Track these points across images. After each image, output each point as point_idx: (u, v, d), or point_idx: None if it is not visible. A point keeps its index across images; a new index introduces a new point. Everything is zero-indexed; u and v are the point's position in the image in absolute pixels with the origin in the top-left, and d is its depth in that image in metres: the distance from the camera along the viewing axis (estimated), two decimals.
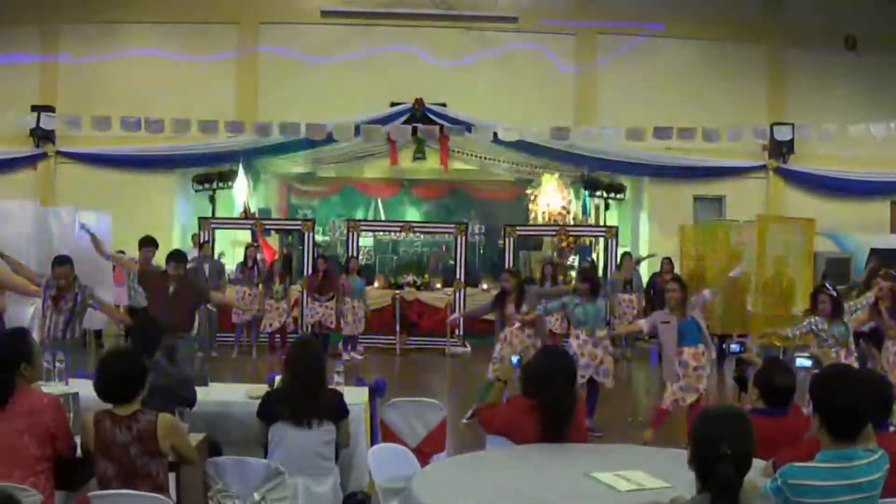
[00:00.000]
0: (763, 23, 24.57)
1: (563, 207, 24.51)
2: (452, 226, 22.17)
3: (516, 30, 24.35)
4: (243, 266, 19.11)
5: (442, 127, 21.98)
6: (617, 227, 22.41)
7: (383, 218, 26.68)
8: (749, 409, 6.05)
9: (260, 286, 18.99)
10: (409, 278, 21.53)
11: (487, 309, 13.86)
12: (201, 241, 20.26)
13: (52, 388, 7.47)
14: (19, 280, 11.89)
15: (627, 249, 22.06)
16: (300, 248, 22.31)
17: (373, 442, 7.87)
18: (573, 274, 21.51)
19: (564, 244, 22.55)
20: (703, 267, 19.75)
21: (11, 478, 5.48)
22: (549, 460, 5.89)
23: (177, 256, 12.37)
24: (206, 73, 23.93)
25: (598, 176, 24.44)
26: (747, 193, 23.98)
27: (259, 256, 19.47)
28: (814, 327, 11.04)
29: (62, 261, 10.84)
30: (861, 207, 23.92)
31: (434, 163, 24.50)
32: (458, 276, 21.07)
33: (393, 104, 23.69)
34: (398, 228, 23.99)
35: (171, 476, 5.99)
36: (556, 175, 24.43)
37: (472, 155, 24.38)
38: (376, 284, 21.47)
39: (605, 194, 24.59)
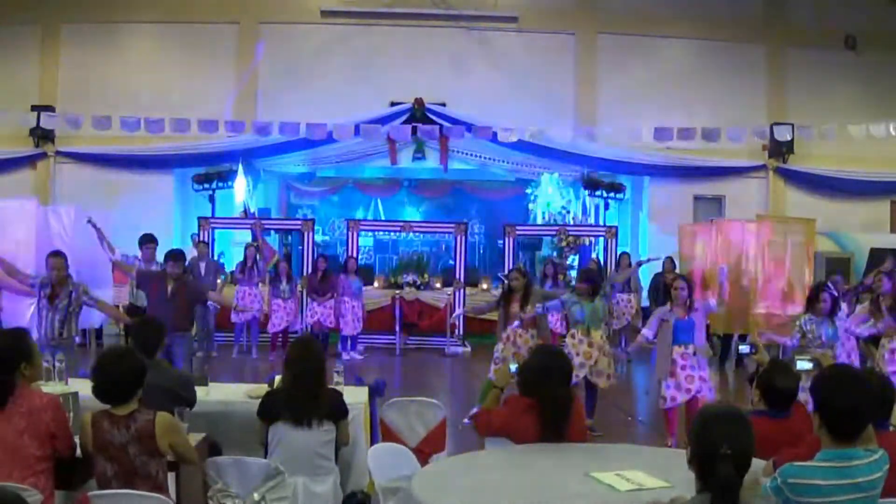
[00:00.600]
0: (763, 23, 24.58)
1: (563, 207, 24.51)
2: (452, 226, 22.16)
3: (516, 30, 24.37)
4: (243, 266, 19.09)
5: (442, 127, 21.95)
6: (617, 227, 22.43)
7: (383, 218, 26.71)
8: (751, 410, 6.05)
9: (261, 285, 19.00)
10: (409, 278, 21.51)
11: (492, 307, 13.85)
12: (199, 240, 20.27)
13: (52, 387, 7.46)
14: (12, 281, 11.95)
15: (626, 249, 22.05)
16: (300, 248, 22.30)
17: (373, 441, 7.86)
18: (573, 274, 21.55)
19: (564, 244, 22.55)
20: (703, 267, 19.76)
21: (11, 477, 5.48)
22: (549, 460, 5.87)
23: (175, 255, 12.38)
24: (206, 73, 23.96)
25: (597, 176, 24.44)
26: (747, 193, 24.03)
27: (258, 256, 19.44)
28: (804, 328, 11.04)
29: (56, 253, 10.98)
30: (861, 207, 23.95)
31: (434, 163, 24.50)
32: (457, 276, 21.08)
33: (393, 104, 23.70)
34: (398, 228, 24.00)
35: (171, 476, 5.99)
36: (556, 175, 24.43)
37: (471, 155, 24.37)
38: (376, 284, 21.50)
39: (604, 194, 24.59)
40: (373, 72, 23.79)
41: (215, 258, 19.99)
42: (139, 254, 14.96)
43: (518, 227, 22.37)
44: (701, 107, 23.10)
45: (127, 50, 24.11)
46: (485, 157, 24.51)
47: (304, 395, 6.69)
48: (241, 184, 23.62)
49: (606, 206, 24.95)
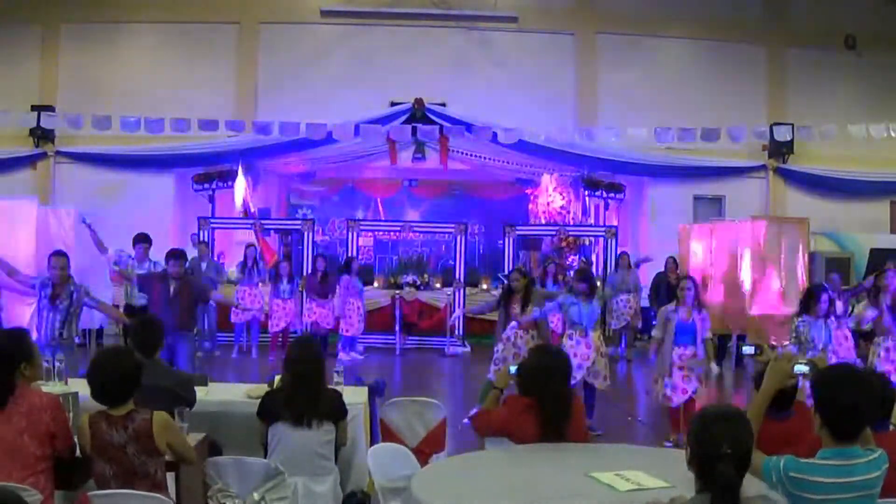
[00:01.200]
0: (763, 23, 24.60)
1: (563, 207, 24.51)
2: (452, 226, 22.14)
3: (516, 30, 24.38)
4: (243, 266, 19.08)
5: (442, 127, 21.94)
6: (616, 227, 22.43)
7: (383, 218, 26.71)
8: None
9: (261, 285, 19.00)
10: (409, 278, 21.51)
11: (493, 307, 13.85)
12: (200, 240, 20.28)
13: (52, 387, 7.46)
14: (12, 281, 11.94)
15: (625, 250, 22.04)
16: (300, 248, 22.30)
17: (372, 441, 7.86)
18: (572, 274, 21.56)
19: (564, 244, 22.56)
20: (703, 267, 19.77)
21: (11, 477, 5.48)
22: (549, 460, 5.88)
23: (177, 255, 12.42)
24: (206, 73, 23.97)
25: (597, 176, 24.43)
26: (747, 193, 24.03)
27: (258, 256, 19.44)
28: (797, 329, 11.06)
29: (59, 253, 10.97)
30: (861, 207, 23.96)
31: (434, 163, 24.49)
32: (457, 276, 21.08)
33: (393, 104, 23.70)
34: (398, 228, 24.00)
35: (171, 476, 6.00)
36: (556, 175, 24.43)
37: (471, 155, 24.35)
38: (376, 284, 21.53)
39: (604, 194, 24.59)
40: (373, 72, 23.81)
41: (215, 258, 20.00)
42: (133, 252, 14.98)
43: (518, 228, 22.37)
44: (701, 107, 23.08)
45: (127, 50, 24.11)
46: (485, 158, 24.50)
47: (303, 395, 6.69)
48: (240, 184, 23.62)
49: (606, 207, 24.95)
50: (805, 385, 6.28)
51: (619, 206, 25.08)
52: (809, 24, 24.29)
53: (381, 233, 25.49)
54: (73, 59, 23.96)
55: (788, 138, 22.95)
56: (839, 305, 13.89)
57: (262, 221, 22.51)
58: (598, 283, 14.78)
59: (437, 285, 21.58)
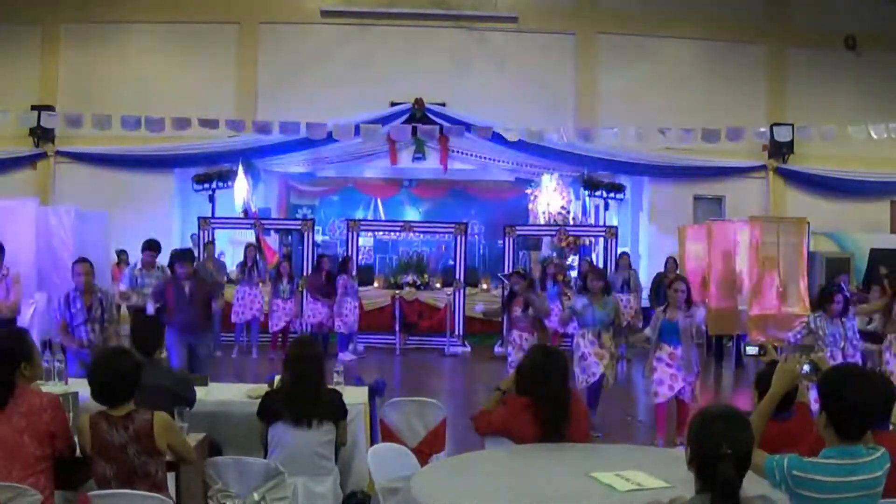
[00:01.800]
0: (763, 23, 24.60)
1: (563, 207, 24.51)
2: (452, 226, 22.11)
3: (516, 30, 24.40)
4: (243, 265, 19.07)
5: (442, 127, 21.93)
6: (617, 228, 22.42)
7: (383, 218, 26.72)
8: (753, 411, 6.05)
9: (261, 285, 18.99)
10: (409, 278, 21.50)
11: (500, 311, 13.84)
12: (204, 240, 20.27)
13: (52, 387, 7.47)
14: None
15: (626, 250, 22.04)
16: (300, 248, 22.28)
17: (372, 442, 7.86)
18: (573, 274, 21.53)
19: (564, 244, 22.55)
20: (703, 267, 19.77)
21: (11, 477, 5.48)
22: (549, 460, 5.89)
23: (187, 255, 12.44)
24: (206, 72, 23.98)
25: (597, 176, 24.44)
26: (747, 193, 24.05)
27: (258, 256, 19.43)
28: (812, 326, 11.09)
29: (83, 259, 10.75)
30: (861, 207, 23.97)
31: (434, 163, 24.50)
32: (457, 277, 21.07)
33: (393, 104, 23.71)
34: (398, 228, 23.99)
35: (171, 476, 5.99)
36: (556, 175, 24.43)
37: (471, 155, 24.36)
38: (376, 284, 21.54)
39: (604, 194, 24.59)
40: (373, 72, 23.83)
41: (217, 257, 20.02)
42: (140, 257, 14.89)
43: (518, 228, 22.32)
44: (701, 107, 23.11)
45: (127, 49, 24.12)
46: (485, 158, 24.52)
47: (303, 395, 6.70)
48: (241, 184, 23.62)
49: (606, 207, 24.96)
50: (805, 385, 6.28)
51: (619, 206, 25.08)
52: (810, 24, 24.30)
53: (381, 233, 25.48)
54: (73, 59, 24.00)
55: (788, 138, 22.97)
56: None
57: (263, 221, 22.50)
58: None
59: (437, 285, 21.55)
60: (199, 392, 7.63)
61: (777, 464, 4.25)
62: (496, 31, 24.48)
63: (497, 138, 22.07)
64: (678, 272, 18.90)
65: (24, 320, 13.57)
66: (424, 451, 7.50)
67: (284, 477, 6.00)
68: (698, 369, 11.17)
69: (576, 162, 24.08)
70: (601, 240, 22.86)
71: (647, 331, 11.43)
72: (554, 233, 22.60)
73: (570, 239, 22.58)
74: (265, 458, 6.54)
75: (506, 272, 20.17)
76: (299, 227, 22.37)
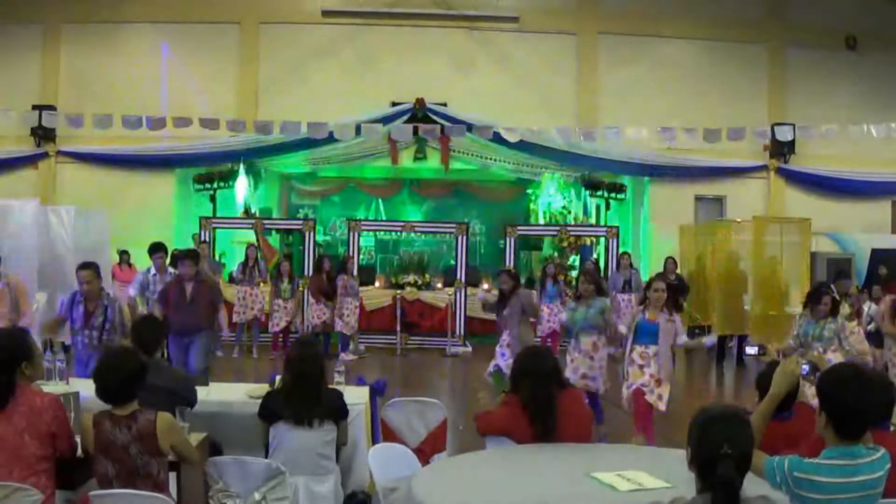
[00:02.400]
0: (764, 23, 24.59)
1: (564, 207, 24.52)
2: (453, 225, 22.13)
3: (517, 30, 24.38)
4: (244, 265, 19.07)
5: (443, 127, 21.92)
6: (618, 227, 22.41)
7: (384, 218, 26.71)
8: (753, 411, 6.04)
9: (262, 285, 18.99)
10: (410, 278, 21.49)
11: (494, 309, 13.72)
12: (201, 240, 20.27)
13: (53, 387, 7.46)
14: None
15: (627, 250, 22.03)
16: (301, 248, 22.28)
17: (373, 442, 7.86)
18: (573, 274, 21.53)
19: (565, 244, 22.56)
20: (703, 267, 19.78)
21: (12, 476, 5.48)
22: (550, 460, 5.89)
23: (190, 255, 12.37)
24: (207, 72, 23.98)
25: (598, 176, 24.45)
26: (748, 193, 24.03)
27: (259, 256, 19.43)
28: (799, 330, 11.08)
29: (85, 265, 10.22)
30: (862, 207, 23.93)
31: (435, 163, 24.50)
32: (459, 276, 21.06)
33: (394, 104, 23.69)
34: (399, 228, 23.98)
35: (172, 475, 5.99)
36: (557, 175, 24.43)
37: (473, 155, 24.37)
38: (377, 284, 21.49)
39: (605, 194, 24.59)
40: (374, 71, 23.85)
41: (217, 258, 20.00)
42: (151, 263, 14.74)
43: (519, 227, 22.36)
44: (702, 107, 23.10)
45: (128, 49, 24.10)
46: (486, 157, 24.51)
47: (304, 396, 6.71)
48: (242, 183, 23.63)
49: (607, 206, 24.95)
50: (805, 385, 6.28)
51: (619, 206, 25.08)
52: (810, 24, 24.28)
53: (382, 233, 25.48)
54: (74, 59, 24.00)
55: (789, 138, 22.96)
56: (845, 307, 13.94)
57: (263, 221, 22.51)
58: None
59: (439, 285, 21.53)
60: (200, 392, 7.63)
61: (777, 465, 4.25)
62: (497, 31, 24.47)
63: (498, 138, 22.07)
64: (677, 272, 18.91)
65: (26, 319, 13.59)
66: (425, 452, 7.51)
67: (285, 477, 5.99)
68: (667, 376, 10.86)
69: (577, 162, 24.08)
70: (602, 240, 22.87)
71: (622, 328, 11.30)
72: (555, 233, 22.62)
73: (571, 239, 22.60)
74: (266, 457, 6.54)
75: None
76: (300, 227, 22.38)
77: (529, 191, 25.38)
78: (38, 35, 24.05)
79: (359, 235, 21.99)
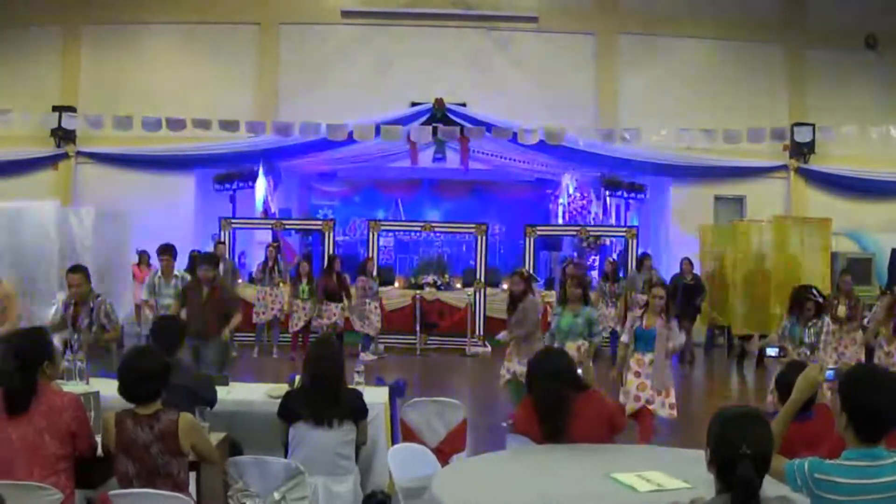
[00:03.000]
0: (783, 23, 24.49)
1: (584, 207, 24.48)
2: (473, 226, 22.13)
3: (536, 30, 24.35)
4: (264, 266, 19.09)
5: (462, 128, 21.92)
6: (637, 228, 22.38)
7: (403, 218, 26.72)
8: (771, 411, 6.03)
9: (281, 285, 19.00)
10: (430, 278, 21.49)
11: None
12: (219, 241, 20.30)
13: (73, 387, 7.49)
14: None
15: (647, 250, 22.01)
16: (321, 248, 22.31)
17: (393, 442, 7.88)
18: (594, 274, 21.53)
19: (585, 244, 22.55)
20: (724, 267, 19.75)
21: (32, 476, 5.53)
22: (570, 460, 5.89)
23: (209, 259, 12.38)
24: (226, 73, 24.02)
25: (618, 176, 24.42)
26: (768, 194, 23.91)
27: (279, 256, 19.45)
28: (786, 333, 11.07)
29: (75, 269, 10.43)
30: (882, 207, 23.78)
31: (454, 163, 24.49)
32: (478, 277, 21.06)
33: (413, 104, 23.67)
34: (418, 228, 23.98)
35: (192, 475, 6.01)
36: (577, 175, 24.40)
37: (492, 155, 24.35)
38: (396, 284, 21.49)
39: (625, 195, 24.57)
40: (393, 72, 23.83)
41: (236, 258, 20.01)
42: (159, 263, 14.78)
43: (539, 228, 22.34)
44: (721, 107, 23.02)
45: (148, 51, 24.15)
46: (505, 158, 24.49)
47: (323, 395, 6.72)
48: (261, 184, 23.68)
49: (627, 207, 24.93)
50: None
51: (639, 206, 25.05)
52: (830, 23, 24.16)
53: (401, 233, 25.49)
54: (94, 60, 24.03)
55: (809, 138, 22.91)
56: (841, 309, 13.98)
57: (283, 222, 22.54)
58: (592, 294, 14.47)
59: (458, 285, 21.52)
60: (221, 392, 7.67)
61: (798, 468, 4.23)
62: (516, 31, 24.43)
63: (517, 139, 22.06)
64: (694, 273, 18.90)
65: (46, 320, 13.63)
66: (445, 452, 7.52)
67: (305, 476, 6.01)
68: (671, 383, 10.78)
69: (596, 162, 24.02)
70: (622, 240, 22.86)
71: (623, 337, 11.19)
72: (574, 233, 22.60)
73: (591, 239, 22.59)
74: (286, 457, 6.56)
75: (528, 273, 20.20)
76: (320, 228, 22.41)
77: (549, 191, 25.34)
78: (58, 37, 24.10)
79: (378, 236, 22.02)
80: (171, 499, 5.28)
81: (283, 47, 24.38)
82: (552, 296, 18.20)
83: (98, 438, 6.06)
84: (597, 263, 23.15)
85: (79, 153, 23.65)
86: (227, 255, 19.49)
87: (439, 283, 21.41)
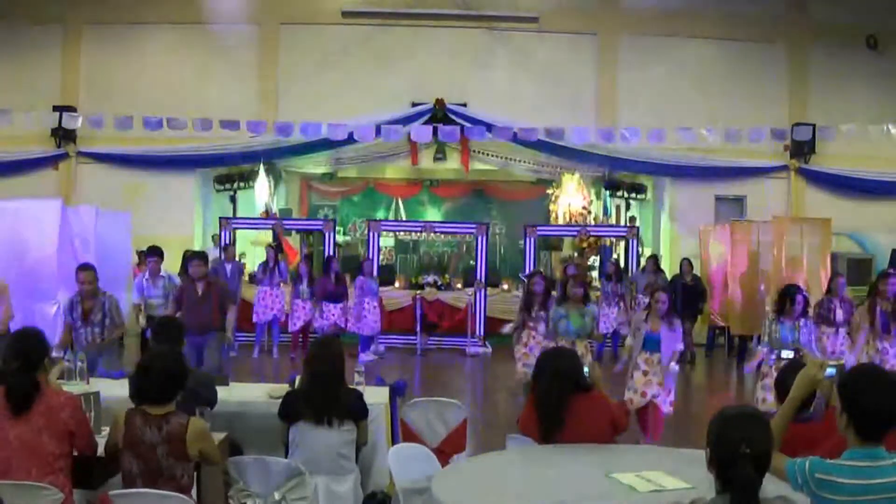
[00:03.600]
0: (784, 22, 24.48)
1: (584, 207, 24.48)
2: (473, 226, 22.14)
3: (537, 30, 24.35)
4: (265, 266, 19.09)
5: (463, 128, 21.94)
6: (638, 227, 22.39)
7: (404, 218, 26.72)
8: (773, 412, 6.03)
9: (282, 286, 19.00)
10: (430, 278, 21.50)
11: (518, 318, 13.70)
12: (224, 242, 20.31)
13: (73, 387, 7.50)
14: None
15: (654, 252, 22.02)
16: (321, 248, 22.32)
17: (393, 442, 7.88)
18: (594, 274, 21.54)
19: (585, 244, 22.55)
20: (724, 267, 19.75)
21: (31, 476, 5.56)
22: (570, 460, 5.89)
23: (199, 256, 12.44)
24: (227, 73, 24.03)
25: (619, 176, 24.43)
26: (768, 194, 23.90)
27: (279, 257, 19.46)
28: (775, 335, 11.12)
29: (85, 266, 10.76)
30: (883, 208, 23.77)
31: (455, 163, 24.51)
32: (478, 277, 21.06)
33: (414, 104, 23.70)
34: (419, 229, 23.98)
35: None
36: (577, 175, 24.40)
37: (493, 155, 24.35)
38: (397, 285, 21.48)
39: (626, 194, 24.58)
40: (393, 72, 23.85)
41: (237, 259, 20.02)
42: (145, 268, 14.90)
43: (539, 228, 22.32)
44: (722, 107, 23.02)
45: (149, 51, 24.17)
46: (506, 158, 24.47)
47: (323, 395, 6.74)
48: (262, 184, 23.68)
49: (628, 207, 24.93)
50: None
51: (640, 206, 25.06)
52: (830, 23, 24.14)
53: (401, 233, 25.49)
54: (94, 60, 24.07)
55: (809, 138, 22.92)
56: (840, 312, 14.00)
57: (284, 222, 22.54)
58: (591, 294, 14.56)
59: (458, 286, 21.51)
60: (221, 392, 7.67)
61: (799, 467, 4.24)
62: (517, 31, 24.43)
63: (517, 138, 22.09)
64: (694, 273, 18.91)
65: (48, 319, 13.65)
66: (445, 452, 7.52)
67: (305, 476, 6.01)
68: (673, 385, 10.98)
69: (597, 162, 24.05)
70: (623, 240, 22.88)
71: (629, 340, 11.31)
72: (575, 233, 22.60)
73: (592, 239, 22.59)
74: (286, 457, 6.57)
75: (527, 273, 20.21)
76: (320, 228, 22.43)
77: (549, 191, 25.33)
78: (58, 36, 24.13)
79: (378, 236, 22.03)
80: (172, 500, 5.28)
81: (283, 47, 24.40)
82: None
83: (98, 439, 6.09)
84: (597, 263, 23.15)
85: (79, 153, 23.68)
86: (235, 258, 19.47)
87: (440, 283, 21.43)
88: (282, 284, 18.98)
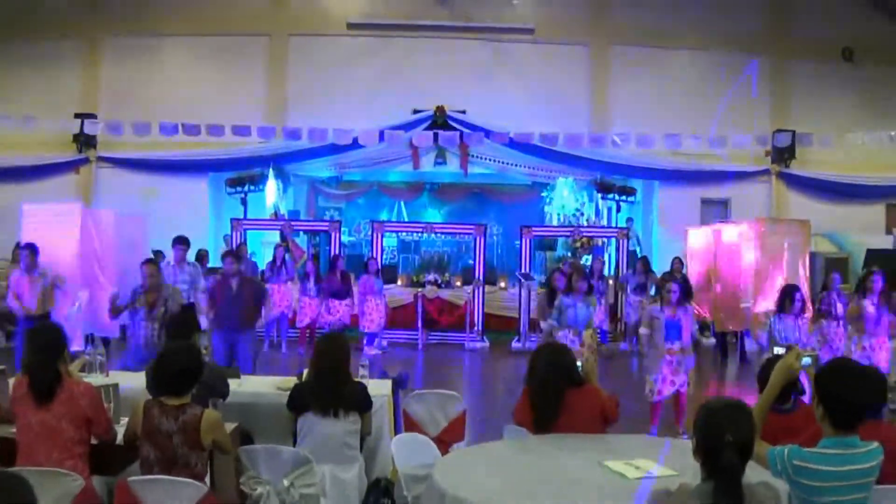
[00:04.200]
0: (766, 36, 24.50)
1: (577, 210, 24.46)
2: (472, 227, 22.14)
3: (533, 41, 24.37)
4: (273, 265, 19.10)
5: (462, 133, 21.95)
6: (629, 229, 22.40)
7: (406, 220, 26.71)
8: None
9: (290, 283, 19.01)
10: (431, 277, 21.50)
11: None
12: (237, 242, 20.33)
13: (93, 379, 7.51)
14: None
15: (644, 254, 22.02)
16: (328, 248, 22.33)
17: (396, 431, 7.89)
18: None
19: (578, 245, 22.54)
20: (709, 267, 19.74)
21: (51, 459, 5.66)
22: (564, 449, 5.90)
23: (231, 253, 12.43)
24: (239, 82, 24.04)
25: (610, 180, 24.42)
26: (752, 196, 23.93)
27: (287, 256, 19.46)
28: (778, 335, 11.17)
29: (149, 261, 10.94)
30: (858, 210, 23.84)
31: (454, 167, 24.52)
32: (477, 275, 21.05)
33: (415, 111, 23.71)
34: (420, 230, 23.96)
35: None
36: (571, 179, 24.38)
37: (490, 160, 24.34)
38: (399, 283, 21.52)
39: (616, 197, 24.56)
40: (396, 81, 23.85)
41: (248, 257, 20.02)
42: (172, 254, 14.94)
43: (534, 229, 22.31)
44: (708, 114, 22.93)
45: (165, 61, 24.20)
46: (503, 162, 24.46)
47: (328, 388, 6.77)
48: (271, 187, 23.67)
49: (618, 209, 24.91)
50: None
51: (630, 208, 25.06)
52: (809, 37, 24.19)
53: (404, 234, 25.47)
54: (114, 70, 24.07)
55: (789, 144, 22.99)
56: (839, 306, 14.02)
57: (292, 223, 22.53)
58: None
59: (458, 284, 21.49)
60: (232, 384, 7.69)
61: (778, 454, 4.27)
62: (514, 42, 24.46)
63: (514, 144, 22.12)
64: (683, 273, 18.92)
65: (70, 317, 13.66)
66: (445, 441, 7.52)
67: (312, 465, 6.02)
68: (693, 363, 11.24)
69: (589, 166, 24.02)
70: (613, 240, 22.88)
71: (643, 329, 11.38)
72: (568, 234, 22.60)
73: (584, 239, 22.59)
74: (294, 446, 6.57)
75: (523, 272, 20.27)
76: (327, 229, 22.46)
77: (544, 194, 25.31)
78: (80, 49, 24.15)
79: (382, 236, 22.06)
80: (186, 486, 5.30)
81: (292, 57, 24.42)
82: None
83: (117, 427, 6.12)
84: (588, 263, 23.17)
85: (99, 158, 23.69)
86: (247, 256, 19.48)
87: (440, 281, 21.42)
88: (289, 282, 19.00)
